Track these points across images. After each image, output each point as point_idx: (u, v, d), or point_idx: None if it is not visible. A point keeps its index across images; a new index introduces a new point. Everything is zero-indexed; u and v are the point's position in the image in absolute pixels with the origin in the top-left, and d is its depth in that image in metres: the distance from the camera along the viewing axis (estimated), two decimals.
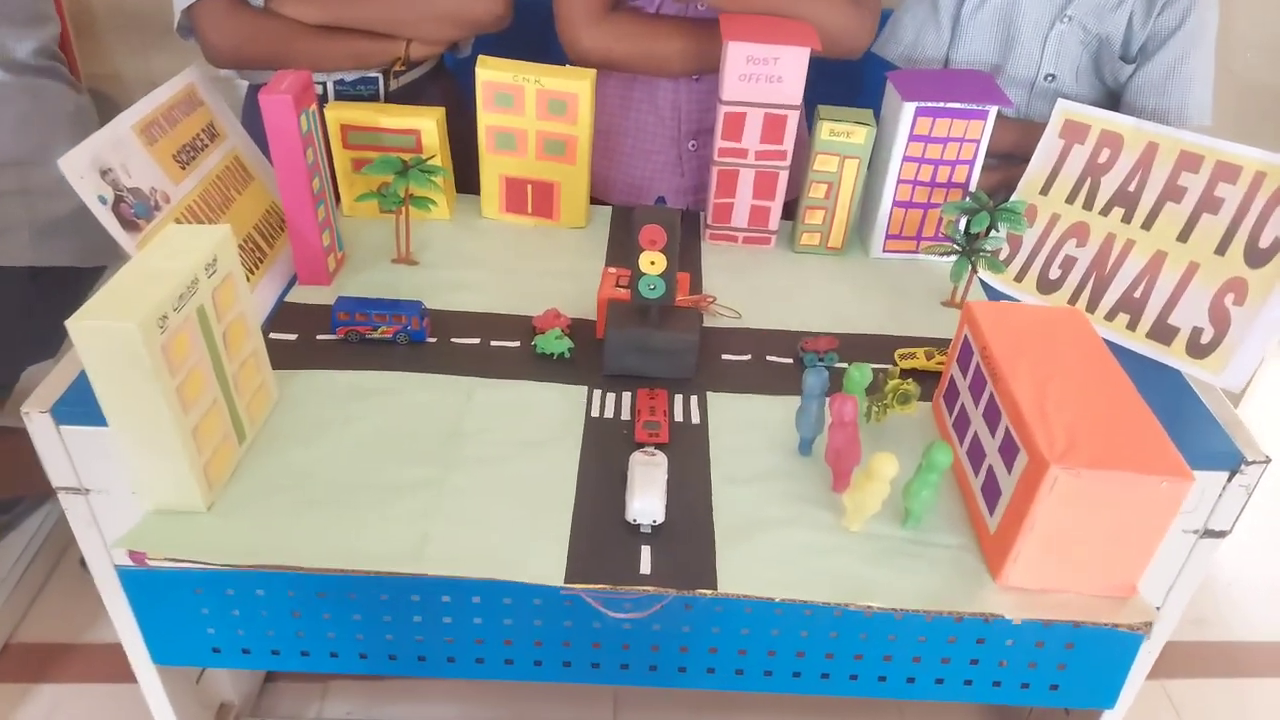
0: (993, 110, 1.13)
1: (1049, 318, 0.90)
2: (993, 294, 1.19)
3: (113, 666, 1.40)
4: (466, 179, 1.28)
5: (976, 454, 0.85)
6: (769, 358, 1.05)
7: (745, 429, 0.94)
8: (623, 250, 1.22)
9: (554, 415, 0.95)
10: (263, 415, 0.91)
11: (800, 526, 0.83)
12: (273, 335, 1.02)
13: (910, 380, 0.92)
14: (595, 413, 0.95)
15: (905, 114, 1.13)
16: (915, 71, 1.24)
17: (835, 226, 1.22)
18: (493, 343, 1.04)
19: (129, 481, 0.80)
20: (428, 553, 0.79)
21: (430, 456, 0.88)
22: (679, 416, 0.95)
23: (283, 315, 1.07)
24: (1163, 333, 1.08)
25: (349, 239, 1.20)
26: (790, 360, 1.04)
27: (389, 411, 0.93)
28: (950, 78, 1.19)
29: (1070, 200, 1.17)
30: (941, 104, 1.12)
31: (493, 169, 1.22)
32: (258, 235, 1.13)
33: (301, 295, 1.10)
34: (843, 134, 1.15)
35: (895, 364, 1.03)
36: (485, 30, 1.29)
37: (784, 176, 1.19)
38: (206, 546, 0.78)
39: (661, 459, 0.86)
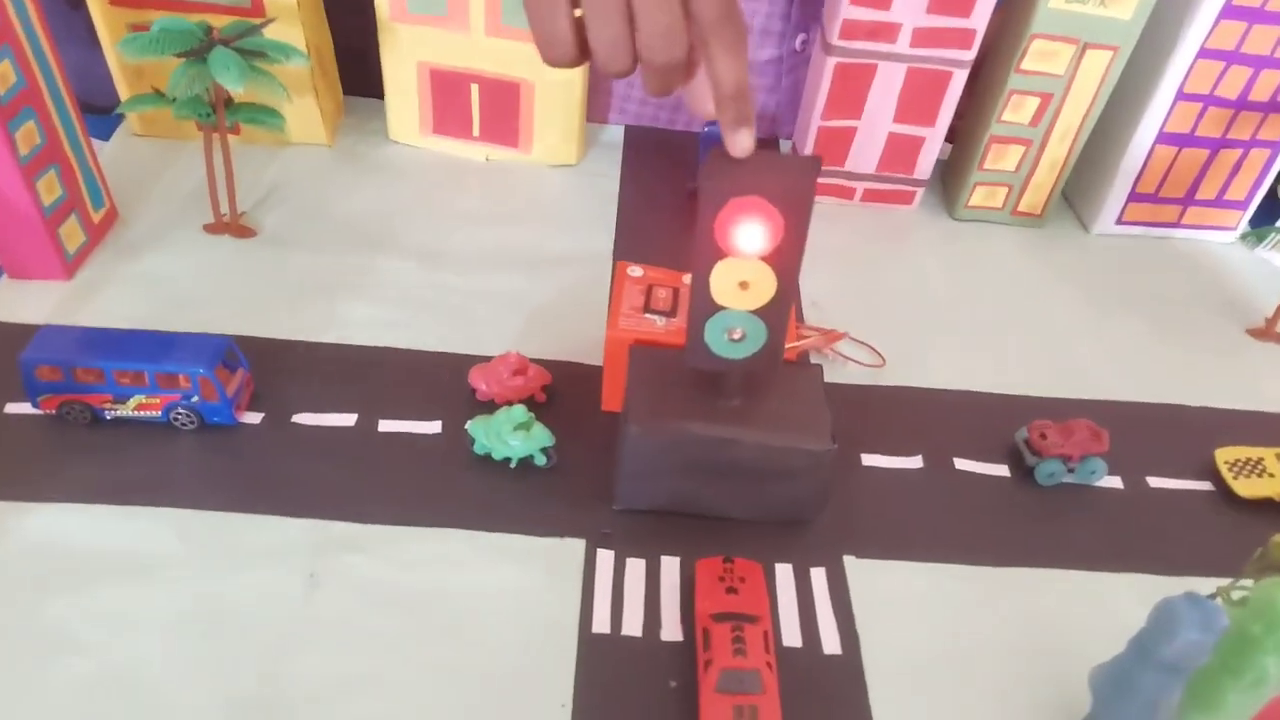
0: None
1: None
2: None
3: None
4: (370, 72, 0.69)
5: None
6: (959, 462, 0.51)
7: (937, 662, 0.41)
8: (651, 223, 0.66)
9: (505, 638, 0.41)
10: None
11: None
12: None
13: None
14: (600, 623, 0.42)
15: None
16: None
17: (1039, 177, 0.67)
18: (382, 425, 0.49)
19: None
20: None
21: None
22: (789, 631, 0.42)
23: None
24: None
25: (136, 178, 0.64)
26: (1004, 468, 0.50)
27: (134, 633, 0.39)
28: None
29: None
30: None
31: (405, 54, 0.65)
32: None
33: (9, 303, 0.54)
34: None
35: (1223, 481, 0.49)
36: None
37: (961, 80, 0.63)
38: None
39: None
